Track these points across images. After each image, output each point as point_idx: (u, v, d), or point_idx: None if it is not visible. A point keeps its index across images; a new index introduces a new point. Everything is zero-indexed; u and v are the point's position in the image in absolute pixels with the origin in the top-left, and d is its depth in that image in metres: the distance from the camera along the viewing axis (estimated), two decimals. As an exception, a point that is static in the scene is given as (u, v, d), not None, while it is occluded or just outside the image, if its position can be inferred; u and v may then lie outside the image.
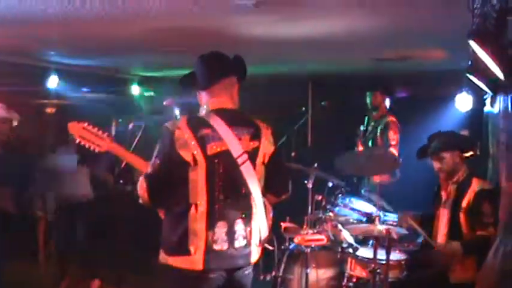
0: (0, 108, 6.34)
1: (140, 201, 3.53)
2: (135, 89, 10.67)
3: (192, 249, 3.44)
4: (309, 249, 5.38)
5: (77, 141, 3.81)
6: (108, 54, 8.04)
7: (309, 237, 5.48)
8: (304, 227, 5.66)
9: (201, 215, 3.44)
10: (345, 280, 5.40)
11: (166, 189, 3.49)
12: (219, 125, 3.53)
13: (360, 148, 7.70)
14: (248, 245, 3.61)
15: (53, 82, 8.95)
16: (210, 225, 3.46)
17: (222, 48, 3.77)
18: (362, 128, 7.87)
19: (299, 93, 10.46)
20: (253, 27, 5.72)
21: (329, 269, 5.55)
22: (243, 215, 3.58)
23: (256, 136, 3.65)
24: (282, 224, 5.59)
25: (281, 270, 5.52)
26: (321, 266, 5.51)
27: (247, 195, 3.58)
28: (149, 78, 10.62)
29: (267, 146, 3.68)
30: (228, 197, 3.52)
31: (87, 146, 3.84)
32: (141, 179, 3.49)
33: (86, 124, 3.82)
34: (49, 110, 12.97)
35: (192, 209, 3.44)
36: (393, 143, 7.34)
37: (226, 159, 3.51)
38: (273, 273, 5.48)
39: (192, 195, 3.45)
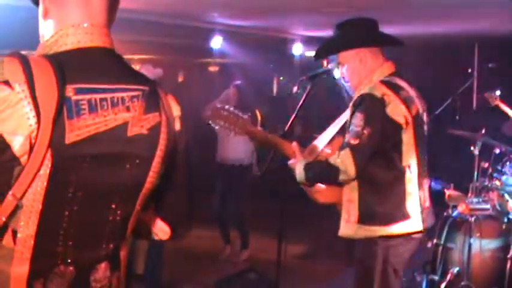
0: (145, 69, 6.44)
1: (341, 177, 3.34)
2: (297, 49, 10.70)
3: (410, 211, 3.44)
4: (473, 218, 5.22)
5: (216, 127, 3.72)
6: (270, 15, 8.09)
7: (474, 206, 5.31)
8: (469, 195, 5.49)
9: (414, 175, 3.46)
10: (511, 252, 5.19)
11: (373, 158, 3.37)
12: (407, 87, 3.51)
13: None
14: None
15: (216, 42, 9.19)
16: (420, 185, 3.50)
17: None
18: None
19: (465, 54, 10.10)
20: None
21: (494, 239, 5.35)
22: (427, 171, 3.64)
23: (420, 96, 3.62)
24: (446, 191, 5.45)
25: (443, 238, 5.38)
26: (485, 236, 5.31)
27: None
28: (312, 38, 10.58)
29: (424, 103, 3.66)
30: (424, 155, 3.56)
31: (226, 130, 3.77)
32: (345, 151, 3.32)
33: (225, 107, 3.71)
34: (212, 68, 13.38)
35: (407, 171, 3.44)
36: None
37: (421, 118, 3.55)
38: (434, 241, 5.36)
39: (406, 157, 3.44)
